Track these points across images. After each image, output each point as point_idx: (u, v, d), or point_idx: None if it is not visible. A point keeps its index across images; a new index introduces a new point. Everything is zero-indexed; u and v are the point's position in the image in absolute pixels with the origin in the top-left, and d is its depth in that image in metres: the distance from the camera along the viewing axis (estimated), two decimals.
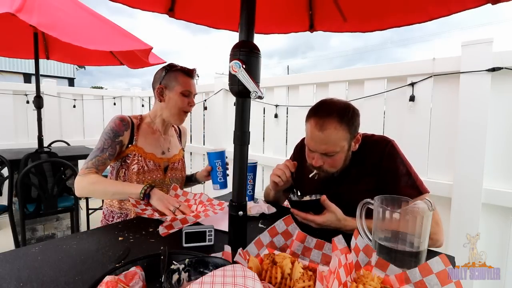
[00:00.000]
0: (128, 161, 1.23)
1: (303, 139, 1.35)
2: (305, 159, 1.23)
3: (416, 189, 0.99)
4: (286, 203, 1.53)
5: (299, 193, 1.09)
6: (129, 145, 1.23)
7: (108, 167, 1.31)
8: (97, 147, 1.18)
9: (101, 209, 1.33)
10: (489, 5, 1.00)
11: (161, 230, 0.91)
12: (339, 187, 1.10)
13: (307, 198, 1.07)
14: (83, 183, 1.14)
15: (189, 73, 1.29)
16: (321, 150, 1.00)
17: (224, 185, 1.30)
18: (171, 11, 1.31)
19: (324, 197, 0.97)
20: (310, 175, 1.08)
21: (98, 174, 1.17)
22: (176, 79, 1.27)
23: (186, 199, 1.23)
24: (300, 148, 1.33)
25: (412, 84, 1.80)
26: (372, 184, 1.05)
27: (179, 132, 1.52)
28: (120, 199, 1.24)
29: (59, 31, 1.66)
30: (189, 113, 1.37)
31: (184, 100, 1.28)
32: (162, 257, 0.66)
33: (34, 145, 2.54)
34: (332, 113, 0.98)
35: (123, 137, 1.21)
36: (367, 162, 1.07)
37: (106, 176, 1.22)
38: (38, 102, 2.36)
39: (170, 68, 1.28)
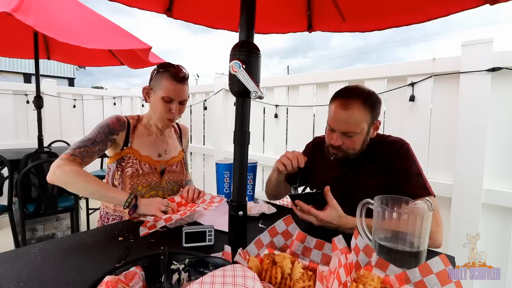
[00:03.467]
0: (123, 164, 1.19)
1: (315, 138, 1.39)
2: (317, 157, 1.27)
3: (425, 189, 1.00)
4: (285, 204, 1.53)
5: (299, 191, 1.10)
6: (124, 147, 1.20)
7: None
8: (88, 137, 1.10)
9: None
10: (489, 5, 1.00)
11: (142, 230, 0.92)
12: (352, 181, 1.12)
13: (308, 191, 1.07)
14: (65, 169, 1.02)
15: (177, 78, 1.17)
16: (343, 129, 1.04)
17: (229, 196, 1.31)
18: (169, 11, 1.31)
19: (327, 188, 0.98)
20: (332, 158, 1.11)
21: (81, 167, 1.08)
22: (160, 83, 1.17)
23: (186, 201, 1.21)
24: (312, 147, 1.35)
25: (412, 84, 1.80)
26: (384, 181, 1.07)
27: (179, 132, 1.45)
28: (97, 200, 1.16)
29: (57, 31, 1.65)
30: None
31: (165, 106, 1.18)
32: (162, 257, 0.66)
33: (34, 145, 2.55)
34: (357, 95, 1.04)
35: (117, 137, 1.18)
36: (381, 161, 1.09)
37: (103, 177, 1.20)
38: (38, 102, 2.36)
39: (159, 69, 1.19)
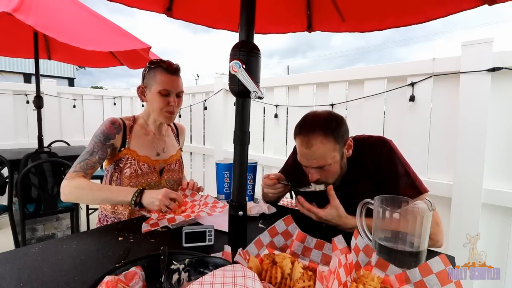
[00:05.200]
0: (121, 165, 1.19)
1: None
2: None
3: (415, 189, 0.99)
4: (285, 204, 1.53)
5: (301, 189, 1.10)
6: (122, 149, 1.19)
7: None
8: (86, 151, 1.14)
9: None
10: (488, 5, 1.00)
11: (144, 227, 0.95)
12: (340, 191, 1.10)
13: (311, 189, 1.08)
14: (70, 187, 1.08)
15: (170, 70, 1.19)
16: (313, 165, 1.01)
17: (229, 196, 1.31)
18: (169, 11, 1.30)
19: (330, 187, 0.99)
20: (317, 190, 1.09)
21: (85, 178, 1.12)
22: (155, 78, 1.19)
23: (193, 199, 1.21)
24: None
25: (412, 84, 1.80)
26: (371, 186, 1.05)
27: (176, 131, 1.46)
28: (110, 204, 1.20)
29: (57, 31, 1.65)
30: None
31: (163, 100, 1.19)
32: (162, 257, 0.66)
33: (34, 145, 2.55)
34: (315, 128, 0.99)
35: (114, 140, 1.18)
36: (365, 165, 1.07)
37: (101, 178, 1.21)
38: (38, 102, 2.36)
39: (151, 65, 1.20)
